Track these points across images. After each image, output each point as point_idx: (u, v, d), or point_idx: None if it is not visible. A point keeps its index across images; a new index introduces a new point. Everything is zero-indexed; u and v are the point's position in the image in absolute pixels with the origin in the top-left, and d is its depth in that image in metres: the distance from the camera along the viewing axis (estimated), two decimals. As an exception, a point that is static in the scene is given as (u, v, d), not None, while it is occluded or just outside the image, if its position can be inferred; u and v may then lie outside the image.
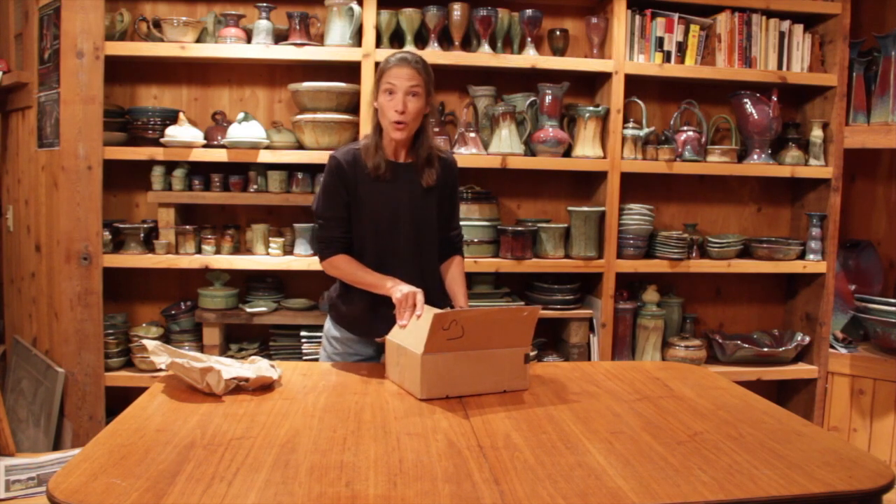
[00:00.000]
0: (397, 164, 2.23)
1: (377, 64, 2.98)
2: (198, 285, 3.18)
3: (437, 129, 3.15)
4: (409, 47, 3.11)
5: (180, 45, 2.95)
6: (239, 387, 1.92)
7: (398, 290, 2.08)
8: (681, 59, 3.27)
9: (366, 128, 2.98)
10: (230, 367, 1.98)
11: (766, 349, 3.37)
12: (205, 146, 3.02)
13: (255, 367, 2.02)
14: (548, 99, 3.18)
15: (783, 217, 3.64)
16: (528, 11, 3.16)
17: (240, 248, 3.20)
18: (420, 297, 2.06)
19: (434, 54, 3.08)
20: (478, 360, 1.95)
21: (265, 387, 1.97)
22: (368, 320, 2.26)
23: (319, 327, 3.07)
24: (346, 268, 2.21)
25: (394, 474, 1.43)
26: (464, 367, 1.93)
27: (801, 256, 3.40)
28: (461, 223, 3.09)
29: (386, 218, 2.21)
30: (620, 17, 3.15)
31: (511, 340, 1.97)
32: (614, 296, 3.22)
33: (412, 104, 2.13)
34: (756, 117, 3.31)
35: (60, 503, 1.28)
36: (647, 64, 3.22)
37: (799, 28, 3.33)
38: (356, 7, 2.98)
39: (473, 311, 1.93)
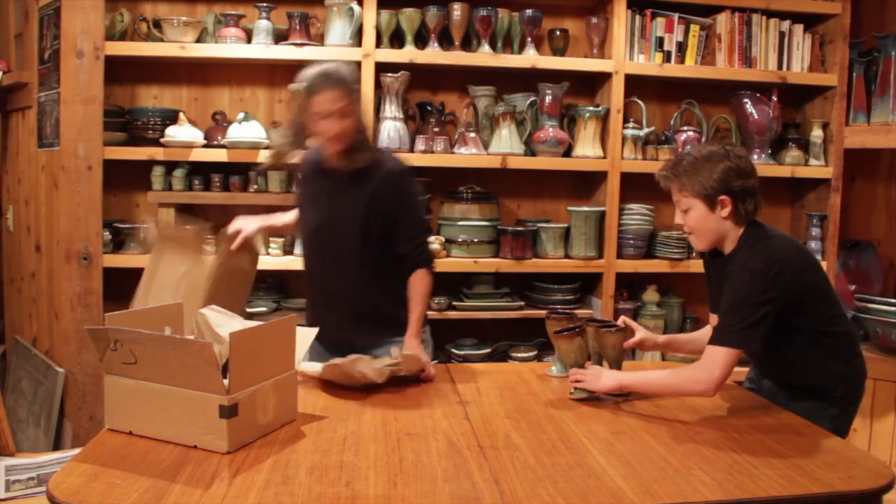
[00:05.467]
0: (333, 169, 2.21)
1: (377, 64, 3.01)
2: (198, 285, 3.18)
3: (436, 130, 3.15)
4: (409, 47, 3.11)
5: (180, 45, 2.95)
6: (394, 373, 1.98)
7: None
8: (681, 59, 3.26)
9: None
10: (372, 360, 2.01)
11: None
12: (205, 146, 3.02)
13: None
14: (548, 99, 3.17)
15: (783, 217, 3.64)
16: (528, 11, 3.16)
17: (240, 248, 3.20)
18: (242, 231, 2.19)
19: (434, 54, 3.08)
20: (161, 398, 1.55)
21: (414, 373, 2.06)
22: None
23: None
24: None
25: (394, 474, 1.43)
26: (147, 403, 1.57)
27: (801, 256, 3.40)
28: (460, 223, 3.13)
29: (312, 220, 2.27)
30: (620, 17, 3.15)
31: (198, 382, 1.51)
32: (614, 296, 3.22)
33: (346, 124, 2.10)
34: (756, 117, 3.31)
35: (60, 503, 1.28)
36: (647, 64, 3.22)
37: (799, 28, 3.33)
38: (356, 7, 2.97)
39: (138, 335, 1.53)
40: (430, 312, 3.08)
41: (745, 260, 1.83)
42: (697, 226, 1.92)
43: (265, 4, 3.02)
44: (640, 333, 2.14)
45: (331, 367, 1.93)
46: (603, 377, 1.90)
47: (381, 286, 2.22)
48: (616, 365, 2.04)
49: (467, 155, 3.11)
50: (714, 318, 2.08)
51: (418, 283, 2.21)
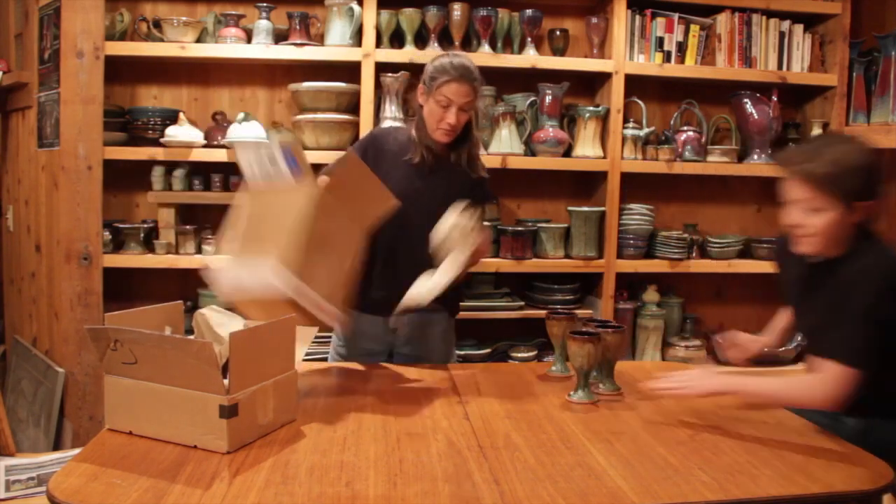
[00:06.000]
0: (430, 154, 2.26)
1: (377, 64, 3.00)
2: (198, 285, 3.17)
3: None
4: (409, 47, 3.11)
5: (180, 45, 2.95)
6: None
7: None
8: (681, 59, 3.26)
9: (366, 128, 2.99)
10: None
11: (766, 349, 3.37)
12: (205, 146, 3.02)
13: None
14: (548, 99, 3.17)
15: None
16: (528, 11, 3.16)
17: (240, 248, 3.20)
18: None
19: (434, 54, 3.07)
20: (161, 398, 1.55)
21: None
22: (364, 289, 2.26)
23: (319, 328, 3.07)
24: None
25: (394, 474, 1.43)
26: (147, 403, 1.57)
27: (801, 256, 3.40)
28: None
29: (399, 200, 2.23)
30: (620, 17, 3.15)
31: (198, 382, 1.50)
32: (614, 296, 3.22)
33: (463, 117, 2.18)
34: (756, 117, 3.31)
35: (60, 503, 1.28)
36: (647, 64, 3.22)
37: (799, 28, 3.33)
38: (356, 7, 2.98)
39: (138, 335, 1.53)
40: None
41: (869, 270, 1.67)
42: (825, 230, 1.70)
43: (265, 4, 3.02)
44: (759, 342, 2.13)
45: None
46: (706, 377, 1.77)
47: None
48: (611, 366, 2.04)
49: (467, 155, 3.11)
50: (785, 311, 2.08)
51: None
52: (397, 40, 3.19)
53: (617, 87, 3.17)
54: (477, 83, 2.18)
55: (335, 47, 3.02)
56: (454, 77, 2.14)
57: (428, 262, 2.26)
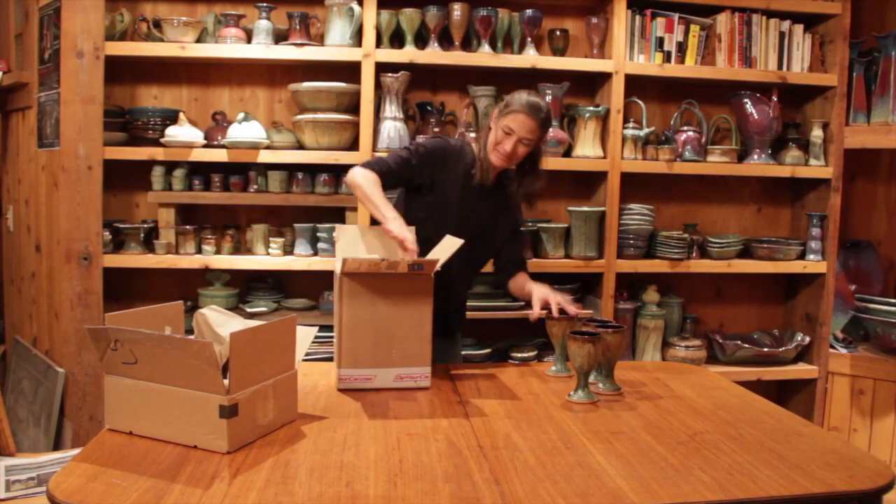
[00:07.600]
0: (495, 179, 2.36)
1: (377, 64, 3.01)
2: (198, 285, 3.18)
3: (436, 130, 3.16)
4: (409, 47, 3.11)
5: (180, 45, 2.95)
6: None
7: (397, 225, 2.11)
8: (681, 59, 3.26)
9: (366, 128, 3.00)
10: None
11: (766, 349, 3.37)
12: (205, 146, 3.02)
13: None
14: (548, 99, 3.17)
15: (783, 217, 3.64)
16: (529, 11, 3.16)
17: (240, 248, 3.20)
18: (413, 240, 2.09)
19: (434, 54, 3.08)
20: (161, 398, 1.55)
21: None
22: None
23: (320, 327, 3.06)
24: (367, 181, 2.21)
25: (394, 474, 1.43)
26: (147, 403, 1.57)
27: (802, 256, 3.40)
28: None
29: (438, 215, 2.30)
30: (620, 17, 3.15)
31: (198, 382, 1.51)
32: (614, 296, 3.22)
33: (521, 150, 2.25)
34: (756, 117, 3.31)
35: (60, 503, 1.28)
36: (648, 64, 3.22)
37: (799, 28, 3.33)
38: (356, 7, 2.98)
39: (138, 335, 1.54)
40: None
41: None
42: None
43: (265, 4, 3.02)
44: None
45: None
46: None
47: (469, 288, 2.57)
48: (611, 366, 2.04)
49: (467, 155, 3.11)
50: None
51: (525, 276, 2.46)
52: (397, 40, 3.19)
53: (617, 88, 3.17)
54: (542, 120, 2.24)
55: (335, 47, 3.02)
56: (523, 109, 2.21)
57: (458, 276, 2.37)
